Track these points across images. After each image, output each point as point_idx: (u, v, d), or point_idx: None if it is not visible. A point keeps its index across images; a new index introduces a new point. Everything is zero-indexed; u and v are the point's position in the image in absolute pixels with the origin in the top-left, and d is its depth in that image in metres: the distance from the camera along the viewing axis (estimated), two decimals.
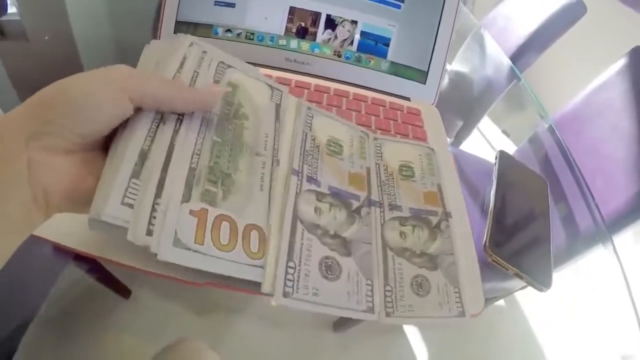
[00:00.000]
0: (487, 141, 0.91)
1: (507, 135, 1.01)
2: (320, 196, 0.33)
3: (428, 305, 0.31)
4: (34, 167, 0.21)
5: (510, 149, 0.93)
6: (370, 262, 0.31)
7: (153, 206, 0.24)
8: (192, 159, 0.27)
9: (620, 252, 0.56)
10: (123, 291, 0.37)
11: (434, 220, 0.36)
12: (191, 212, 0.25)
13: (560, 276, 0.52)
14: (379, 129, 0.43)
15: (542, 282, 0.41)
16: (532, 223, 0.46)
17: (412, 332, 0.42)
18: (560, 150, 0.71)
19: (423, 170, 0.40)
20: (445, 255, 0.35)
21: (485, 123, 0.90)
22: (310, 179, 0.34)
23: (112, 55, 0.56)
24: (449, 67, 0.96)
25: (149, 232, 0.23)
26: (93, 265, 0.35)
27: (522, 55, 1.00)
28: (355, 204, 0.34)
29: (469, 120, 0.87)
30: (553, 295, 0.45)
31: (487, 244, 0.40)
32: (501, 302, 0.52)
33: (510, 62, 0.91)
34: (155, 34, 0.80)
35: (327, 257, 0.30)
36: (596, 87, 0.84)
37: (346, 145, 0.38)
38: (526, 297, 0.50)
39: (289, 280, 0.27)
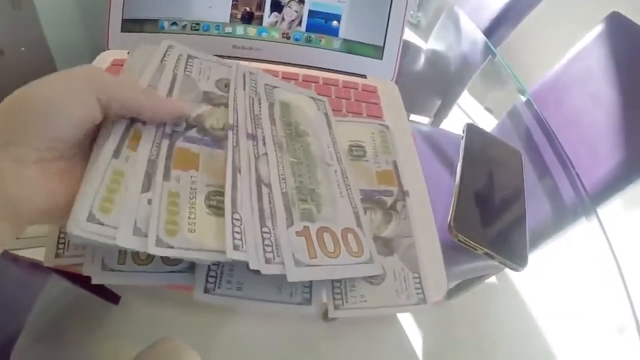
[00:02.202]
0: (471, 119, 0.89)
1: (490, 111, 0.98)
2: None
3: (383, 293, 0.29)
4: (1, 180, 0.20)
5: (494, 125, 0.90)
6: None
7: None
8: (280, 184, 0.30)
9: (610, 221, 0.54)
10: (111, 297, 0.36)
11: (389, 200, 0.34)
12: (297, 233, 0.27)
13: (549, 251, 0.50)
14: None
15: (516, 261, 0.38)
16: (504, 198, 0.44)
17: (403, 318, 0.40)
18: (539, 123, 0.68)
19: (376, 149, 0.37)
20: (403, 237, 0.32)
21: (468, 100, 0.88)
22: None
23: (89, 61, 0.55)
24: (425, 46, 0.94)
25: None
26: (76, 276, 0.34)
27: (496, 28, 0.97)
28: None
29: (447, 99, 0.84)
30: (543, 271, 0.44)
31: (452, 223, 0.37)
32: (493, 281, 0.50)
33: (484, 38, 0.88)
34: None
35: None
36: (574, 56, 0.81)
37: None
38: (516, 275, 0.47)
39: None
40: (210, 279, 0.27)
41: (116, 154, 0.25)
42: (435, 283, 0.31)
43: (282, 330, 0.36)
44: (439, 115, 0.83)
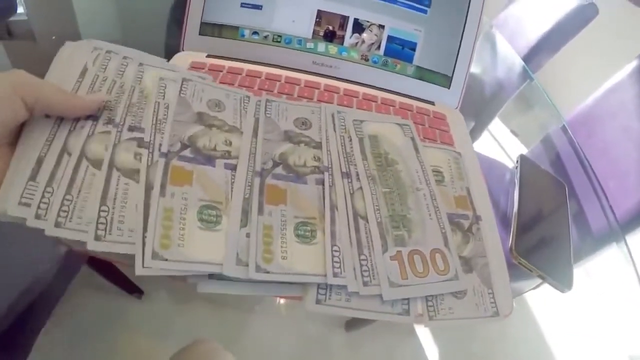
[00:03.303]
0: (496, 140, 0.92)
1: (516, 135, 1.02)
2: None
3: (466, 306, 0.33)
4: None
5: (519, 148, 0.94)
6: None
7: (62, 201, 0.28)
8: (375, 215, 0.34)
9: (633, 252, 0.57)
10: (136, 291, 0.37)
11: (466, 223, 0.38)
12: (391, 258, 0.32)
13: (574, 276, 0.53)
14: None
15: (564, 283, 0.42)
16: (553, 225, 0.48)
17: (421, 332, 0.43)
18: (574, 150, 0.72)
19: (452, 175, 0.41)
20: (479, 257, 0.36)
21: (494, 122, 0.91)
22: None
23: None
24: None
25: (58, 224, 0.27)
26: (106, 267, 0.36)
27: (533, 56, 1.01)
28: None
29: (481, 121, 0.88)
30: (563, 295, 0.47)
31: (514, 247, 0.41)
32: None
33: (522, 63, 0.92)
34: (169, 32, 0.79)
35: None
36: (608, 89, 0.85)
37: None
38: (535, 297, 0.51)
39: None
40: (321, 291, 0.30)
41: (162, 192, 0.29)
42: (504, 298, 0.35)
43: (305, 336, 0.39)
44: (471, 137, 0.86)
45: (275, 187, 0.33)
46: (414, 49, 0.51)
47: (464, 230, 0.37)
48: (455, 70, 0.52)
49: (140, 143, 0.32)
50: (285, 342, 0.39)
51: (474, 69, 0.98)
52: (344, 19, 0.51)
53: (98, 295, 0.38)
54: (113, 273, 0.38)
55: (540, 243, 0.45)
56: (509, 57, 0.96)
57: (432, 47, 0.51)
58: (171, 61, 0.51)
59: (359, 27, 0.51)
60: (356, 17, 0.51)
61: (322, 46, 0.51)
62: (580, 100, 0.88)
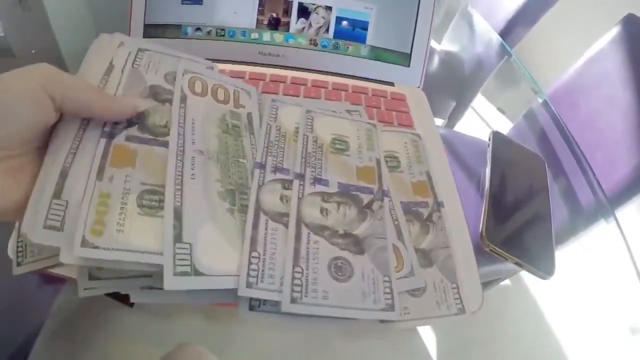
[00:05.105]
0: (483, 120, 0.89)
1: (503, 112, 0.98)
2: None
3: (425, 305, 0.29)
4: None
5: (507, 126, 0.90)
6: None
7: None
8: None
9: (624, 225, 0.54)
10: (127, 300, 0.36)
11: (425, 212, 0.34)
12: None
13: (565, 253, 0.50)
14: None
15: (544, 269, 0.38)
16: (531, 206, 0.44)
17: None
18: (557, 125, 0.68)
19: (409, 159, 0.37)
20: (441, 249, 0.32)
21: (480, 102, 0.87)
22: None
23: None
24: (438, 47, 0.94)
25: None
26: None
27: (511, 30, 0.97)
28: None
29: (462, 100, 0.84)
30: (559, 273, 0.44)
31: (484, 234, 0.37)
32: (507, 282, 0.51)
33: (499, 39, 0.88)
34: None
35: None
36: (590, 58, 0.81)
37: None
38: (531, 277, 0.48)
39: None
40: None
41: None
42: (472, 292, 0.32)
43: (299, 336, 0.37)
44: (454, 117, 0.83)
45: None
46: (365, 29, 0.47)
47: (423, 219, 0.33)
48: (414, 47, 0.48)
49: None
50: (279, 345, 0.37)
51: (452, 48, 0.95)
52: (288, 4, 0.47)
53: (88, 305, 0.37)
54: None
55: (516, 226, 0.41)
56: (486, 34, 0.92)
57: (386, 24, 0.47)
58: None
59: (304, 11, 0.47)
60: (300, 0, 0.47)
61: (267, 35, 0.48)
62: (563, 70, 0.84)
